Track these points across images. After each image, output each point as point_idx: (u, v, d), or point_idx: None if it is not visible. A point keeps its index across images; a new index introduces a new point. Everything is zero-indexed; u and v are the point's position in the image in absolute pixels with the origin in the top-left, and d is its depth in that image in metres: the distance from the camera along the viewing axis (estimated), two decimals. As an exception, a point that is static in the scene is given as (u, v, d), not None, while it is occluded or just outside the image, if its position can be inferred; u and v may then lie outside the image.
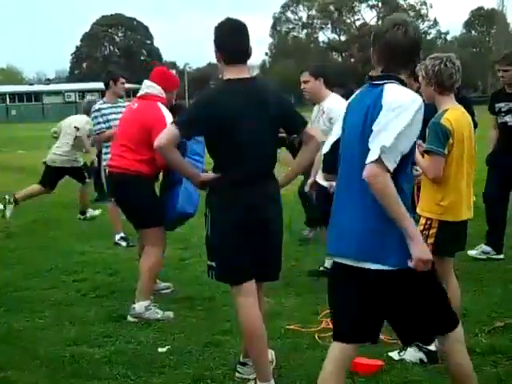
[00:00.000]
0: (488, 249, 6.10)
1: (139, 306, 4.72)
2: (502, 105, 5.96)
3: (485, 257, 6.05)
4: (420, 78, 3.83)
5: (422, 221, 3.77)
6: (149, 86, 4.96)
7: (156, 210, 4.81)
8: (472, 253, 6.04)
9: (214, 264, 3.47)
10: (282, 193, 3.59)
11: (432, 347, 3.82)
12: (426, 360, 3.80)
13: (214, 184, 3.42)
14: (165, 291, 5.41)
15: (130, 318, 4.72)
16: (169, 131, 3.33)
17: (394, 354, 3.89)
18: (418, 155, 3.79)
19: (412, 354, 3.83)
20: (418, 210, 3.83)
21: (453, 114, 3.70)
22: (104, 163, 7.19)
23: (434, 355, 3.80)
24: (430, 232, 3.74)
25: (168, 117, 4.80)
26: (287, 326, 4.44)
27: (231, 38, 3.42)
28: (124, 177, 4.78)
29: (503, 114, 5.97)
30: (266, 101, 3.41)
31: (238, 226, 3.36)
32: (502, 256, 6.05)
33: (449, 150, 3.66)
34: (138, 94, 5.04)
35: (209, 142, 3.48)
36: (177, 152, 3.40)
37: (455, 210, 3.74)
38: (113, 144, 5.07)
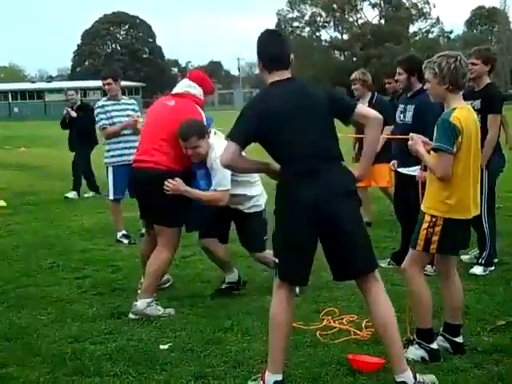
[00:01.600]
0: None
1: (141, 302, 4.71)
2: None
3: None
4: (429, 76, 3.78)
5: (427, 218, 3.73)
6: (190, 86, 4.93)
7: (183, 210, 4.77)
8: (464, 258, 5.96)
9: (278, 261, 3.51)
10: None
11: (434, 345, 3.82)
12: (427, 358, 3.78)
13: (282, 175, 3.49)
14: (165, 285, 5.39)
15: (131, 315, 4.70)
16: (229, 148, 3.44)
17: (396, 352, 3.88)
18: (424, 153, 3.78)
19: (413, 351, 3.82)
20: (422, 208, 3.81)
21: (461, 112, 3.67)
22: (107, 160, 7.20)
23: (436, 353, 3.80)
24: (435, 230, 3.71)
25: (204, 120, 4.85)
26: (289, 324, 4.43)
27: (268, 48, 3.55)
28: (156, 172, 4.69)
29: None
30: (311, 93, 3.50)
31: (301, 225, 3.36)
32: (495, 260, 5.94)
33: (458, 148, 3.64)
34: (176, 91, 4.96)
35: (264, 144, 3.52)
36: (243, 160, 3.60)
37: (462, 208, 3.72)
38: (143, 139, 4.96)
